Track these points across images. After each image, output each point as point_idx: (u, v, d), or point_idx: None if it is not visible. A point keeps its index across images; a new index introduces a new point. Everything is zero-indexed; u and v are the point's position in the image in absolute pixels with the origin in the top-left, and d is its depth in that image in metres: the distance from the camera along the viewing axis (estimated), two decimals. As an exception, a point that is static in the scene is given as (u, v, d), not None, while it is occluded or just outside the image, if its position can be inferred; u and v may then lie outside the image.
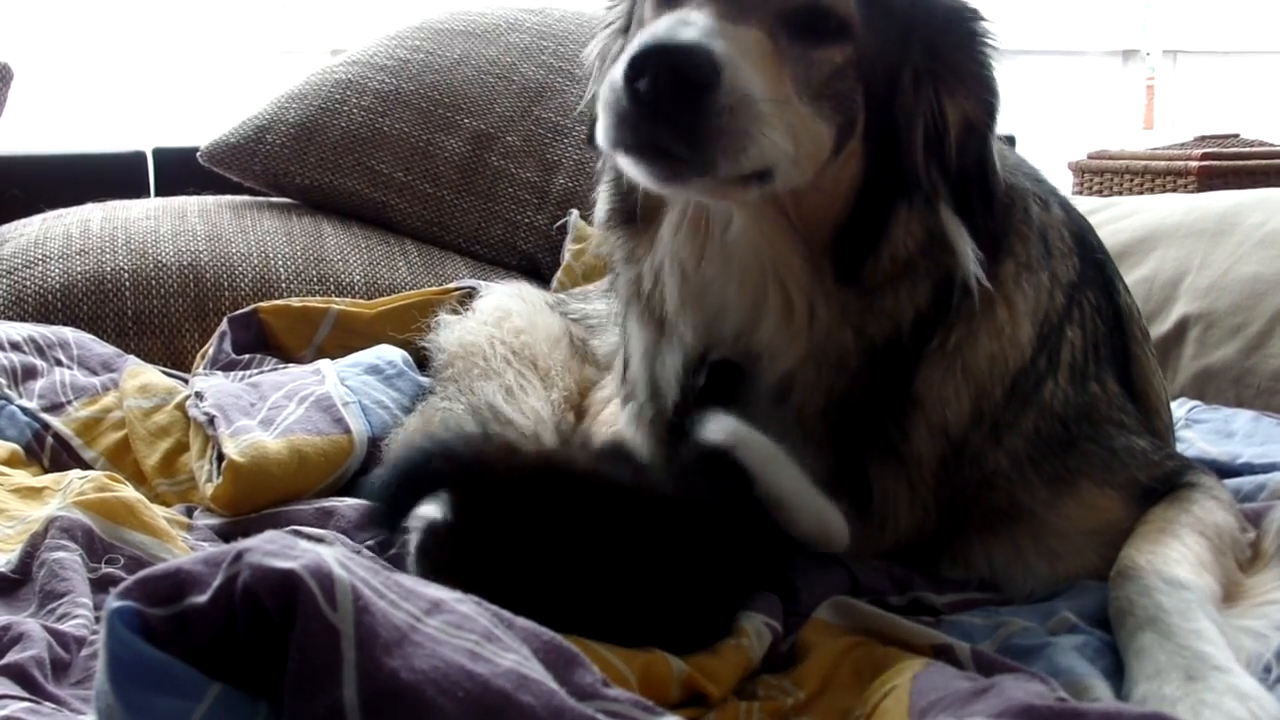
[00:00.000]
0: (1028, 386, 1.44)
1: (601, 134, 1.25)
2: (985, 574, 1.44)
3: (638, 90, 1.17)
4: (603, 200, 1.54)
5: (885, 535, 1.44)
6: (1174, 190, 4.26)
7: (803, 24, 1.30)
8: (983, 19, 1.42)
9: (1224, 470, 1.76)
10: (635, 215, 1.48)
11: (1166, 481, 1.49)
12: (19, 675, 1.16)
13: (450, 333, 2.13)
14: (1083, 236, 1.61)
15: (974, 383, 1.42)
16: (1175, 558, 1.32)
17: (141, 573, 0.85)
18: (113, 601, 0.82)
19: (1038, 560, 1.43)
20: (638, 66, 1.16)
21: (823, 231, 1.37)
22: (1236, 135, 4.80)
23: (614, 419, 1.69)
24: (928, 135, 1.38)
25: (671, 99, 1.17)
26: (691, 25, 1.20)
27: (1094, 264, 1.59)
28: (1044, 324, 1.46)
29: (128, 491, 1.56)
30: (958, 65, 1.39)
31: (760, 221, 1.38)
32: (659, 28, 1.21)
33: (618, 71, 1.19)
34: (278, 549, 0.83)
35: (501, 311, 2.16)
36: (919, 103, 1.38)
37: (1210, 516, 1.43)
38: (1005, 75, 1.42)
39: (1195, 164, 4.31)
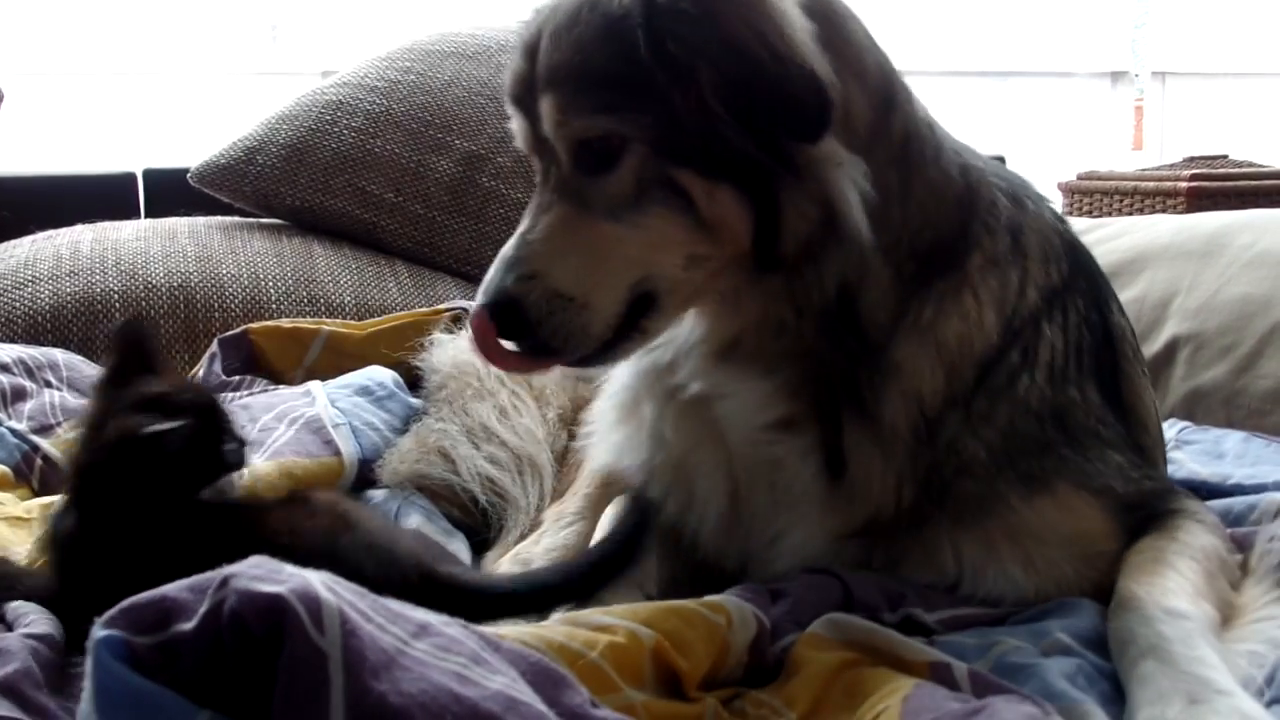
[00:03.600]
0: (1001, 379, 1.45)
1: None
2: (954, 572, 1.44)
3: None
4: None
5: (857, 506, 1.44)
6: (1163, 211, 4.28)
7: (588, 165, 1.40)
8: None
9: (1215, 491, 1.76)
10: None
11: (1145, 500, 1.48)
12: (10, 691, 1.15)
13: (444, 352, 2.13)
14: (1076, 248, 1.62)
15: (946, 359, 1.44)
16: (1173, 588, 1.33)
17: (127, 601, 0.84)
18: (99, 630, 0.82)
19: (1011, 563, 1.42)
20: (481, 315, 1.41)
21: (736, 243, 1.39)
22: (1225, 156, 4.82)
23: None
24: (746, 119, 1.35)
25: (510, 331, 1.40)
26: (500, 268, 1.40)
27: (1086, 276, 1.60)
28: (1013, 318, 1.48)
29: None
30: (688, 46, 1.33)
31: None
32: (490, 274, 1.42)
33: None
34: (264, 573, 0.82)
35: (493, 331, 2.16)
36: (715, 107, 1.34)
37: (1199, 542, 1.44)
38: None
39: (1184, 185, 4.33)
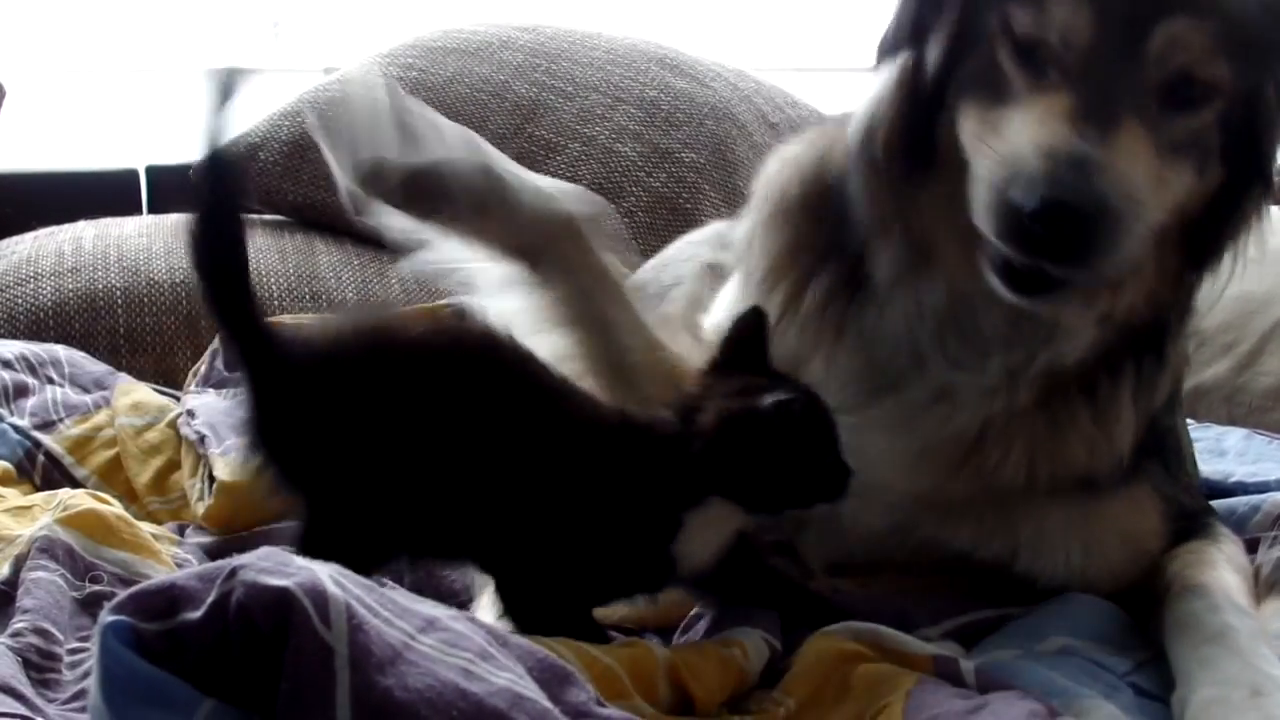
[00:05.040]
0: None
1: (979, 212, 1.25)
2: (1013, 544, 1.44)
3: (1029, 227, 1.18)
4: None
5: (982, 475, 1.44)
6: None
7: (1172, 98, 1.27)
8: None
9: (1216, 489, 1.77)
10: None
11: (1192, 514, 1.54)
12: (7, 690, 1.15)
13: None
14: None
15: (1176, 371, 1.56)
16: (1234, 586, 1.38)
17: (135, 588, 0.85)
18: (106, 616, 0.82)
19: (1073, 544, 1.44)
20: (1039, 217, 1.17)
21: (1172, 234, 1.36)
22: (1226, 155, 4.81)
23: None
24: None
25: (1064, 245, 1.19)
26: (1081, 165, 1.17)
27: None
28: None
29: (106, 508, 1.55)
30: None
31: None
32: (1050, 166, 1.18)
33: (1008, 186, 1.19)
34: (272, 566, 0.83)
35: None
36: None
37: (1240, 559, 1.49)
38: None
39: (1186, 183, 4.32)
